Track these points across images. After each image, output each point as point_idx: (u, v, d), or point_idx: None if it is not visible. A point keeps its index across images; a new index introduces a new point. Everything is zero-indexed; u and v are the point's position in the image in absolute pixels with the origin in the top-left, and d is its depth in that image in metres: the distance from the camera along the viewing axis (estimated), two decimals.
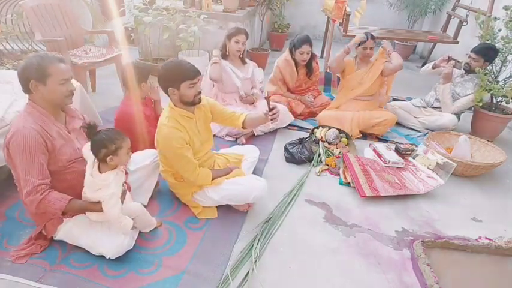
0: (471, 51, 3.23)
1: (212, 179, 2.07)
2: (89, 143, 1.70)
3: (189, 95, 1.92)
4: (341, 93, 3.42)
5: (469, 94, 3.24)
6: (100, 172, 1.69)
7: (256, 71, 3.41)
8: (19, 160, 1.56)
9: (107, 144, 1.64)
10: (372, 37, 3.15)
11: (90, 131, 1.68)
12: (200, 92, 1.97)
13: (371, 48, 3.18)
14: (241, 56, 3.17)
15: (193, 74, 1.90)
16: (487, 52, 3.16)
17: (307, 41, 3.26)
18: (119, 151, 1.67)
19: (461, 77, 3.35)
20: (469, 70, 3.27)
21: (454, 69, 3.36)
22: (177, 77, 1.88)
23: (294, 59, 3.37)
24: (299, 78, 3.48)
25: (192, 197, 2.12)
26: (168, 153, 1.96)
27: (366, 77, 3.26)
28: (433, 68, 3.49)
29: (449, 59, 3.36)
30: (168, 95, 1.95)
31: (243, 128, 2.24)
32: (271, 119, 2.09)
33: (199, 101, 1.99)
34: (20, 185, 1.61)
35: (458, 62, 3.33)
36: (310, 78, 3.55)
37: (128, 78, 2.29)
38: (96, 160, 1.69)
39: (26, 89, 1.62)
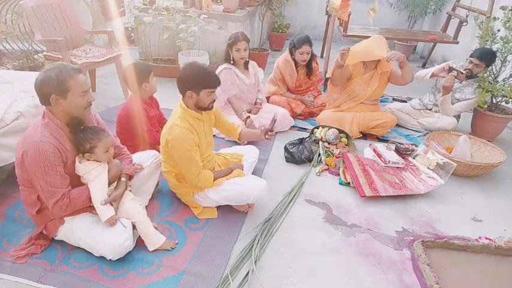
0: (473, 57, 3.15)
1: (214, 180, 2.08)
2: None
3: (205, 102, 1.97)
4: (345, 97, 3.33)
5: (469, 99, 3.21)
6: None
7: (257, 71, 3.40)
8: (41, 173, 1.58)
9: (82, 142, 1.71)
10: None
11: (74, 127, 1.71)
12: (214, 100, 2.02)
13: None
14: (247, 60, 3.09)
15: (216, 83, 1.96)
16: (488, 57, 3.10)
17: (307, 41, 3.25)
18: (94, 150, 1.73)
19: (460, 82, 3.29)
20: (470, 76, 3.19)
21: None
22: (200, 82, 1.91)
23: (294, 59, 3.37)
24: (299, 78, 3.48)
25: (193, 197, 2.13)
26: (177, 153, 1.94)
27: (371, 82, 3.19)
28: (431, 77, 3.37)
29: (450, 69, 3.18)
30: (183, 95, 1.96)
31: (238, 139, 2.33)
32: (266, 139, 2.25)
33: (212, 108, 2.04)
34: (44, 196, 1.64)
35: (462, 72, 3.13)
36: (310, 78, 3.55)
37: (128, 78, 2.29)
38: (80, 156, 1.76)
39: (46, 102, 1.62)
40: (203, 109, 2.02)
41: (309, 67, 3.46)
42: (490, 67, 3.26)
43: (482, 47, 3.27)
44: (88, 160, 1.75)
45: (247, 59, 3.09)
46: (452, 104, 3.29)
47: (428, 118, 3.39)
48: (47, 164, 1.57)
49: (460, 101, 3.26)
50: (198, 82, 1.91)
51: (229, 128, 2.37)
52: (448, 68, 3.21)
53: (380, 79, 3.16)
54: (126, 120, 2.30)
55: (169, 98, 2.74)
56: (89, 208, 1.79)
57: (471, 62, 3.16)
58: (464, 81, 3.25)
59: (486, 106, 3.19)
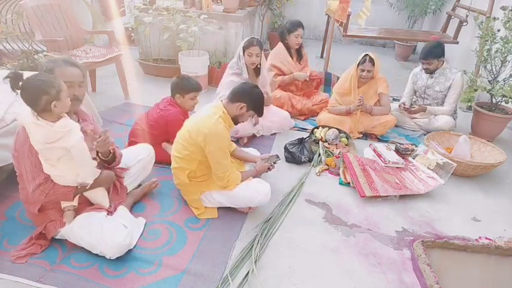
0: (421, 59, 3.29)
1: (242, 181, 2.11)
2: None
3: (243, 118, 2.13)
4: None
5: (454, 91, 3.24)
6: None
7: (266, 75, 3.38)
8: (27, 152, 1.59)
9: (46, 89, 1.47)
10: (371, 60, 3.04)
11: (14, 82, 1.48)
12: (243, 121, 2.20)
13: (368, 71, 3.09)
14: (258, 66, 3.03)
15: (262, 112, 2.16)
16: (433, 52, 3.20)
17: (300, 24, 3.41)
18: (60, 94, 1.52)
19: (431, 77, 3.34)
20: (430, 72, 3.31)
21: (421, 74, 3.42)
22: (256, 104, 2.10)
23: (286, 45, 3.50)
24: (291, 64, 3.55)
25: (200, 196, 2.14)
26: (216, 148, 1.98)
27: (363, 93, 3.23)
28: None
29: (401, 108, 3.39)
30: (233, 103, 2.07)
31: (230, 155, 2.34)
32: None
33: (237, 123, 2.18)
34: (27, 179, 1.63)
35: (410, 107, 3.37)
36: (301, 63, 3.63)
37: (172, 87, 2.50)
38: (35, 114, 1.54)
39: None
40: (236, 123, 2.14)
41: (299, 52, 3.60)
42: (490, 66, 3.27)
43: (424, 47, 3.33)
44: (51, 112, 1.53)
45: (258, 65, 3.02)
46: (439, 98, 3.34)
47: (425, 119, 3.40)
48: (32, 149, 1.59)
49: (442, 92, 3.30)
50: (255, 101, 2.09)
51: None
52: (402, 106, 3.38)
53: (371, 90, 3.23)
54: (171, 123, 2.41)
55: None
56: (89, 207, 1.80)
57: (423, 63, 3.29)
58: (433, 74, 3.31)
59: (470, 104, 3.40)
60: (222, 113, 2.04)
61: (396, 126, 3.45)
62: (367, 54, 3.08)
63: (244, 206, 2.14)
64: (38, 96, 1.49)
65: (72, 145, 1.60)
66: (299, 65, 3.62)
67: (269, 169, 2.27)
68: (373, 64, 3.07)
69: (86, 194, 1.82)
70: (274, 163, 2.31)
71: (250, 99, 2.07)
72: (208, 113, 2.04)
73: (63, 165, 1.64)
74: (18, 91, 1.51)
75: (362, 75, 3.11)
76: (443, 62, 3.28)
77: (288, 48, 3.51)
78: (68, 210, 1.75)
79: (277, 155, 2.36)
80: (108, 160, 1.88)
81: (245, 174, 2.15)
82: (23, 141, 1.59)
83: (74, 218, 1.76)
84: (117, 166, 2.01)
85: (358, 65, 3.12)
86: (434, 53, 3.20)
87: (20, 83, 1.50)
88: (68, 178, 1.68)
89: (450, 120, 3.26)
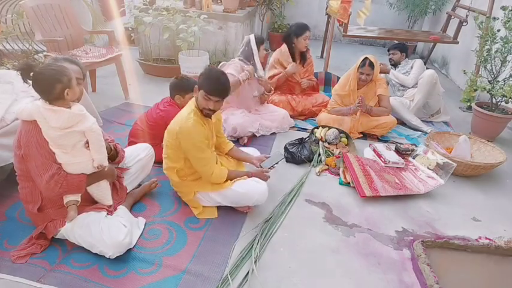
0: (388, 50, 3.88)
1: (231, 179, 2.11)
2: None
3: (203, 104, 1.97)
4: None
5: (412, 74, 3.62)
6: None
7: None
8: (35, 147, 1.60)
9: (59, 77, 1.54)
10: (370, 63, 3.04)
11: (25, 73, 1.54)
12: (211, 110, 1.99)
13: (367, 75, 3.08)
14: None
15: (213, 92, 1.92)
16: (398, 45, 3.81)
17: (308, 27, 3.40)
18: (71, 82, 1.59)
19: (397, 70, 3.79)
20: (394, 64, 3.80)
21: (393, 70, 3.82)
22: (202, 81, 1.96)
23: (290, 49, 3.46)
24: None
25: (194, 196, 2.13)
26: (189, 144, 1.97)
27: (363, 94, 3.21)
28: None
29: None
30: (194, 94, 2.05)
31: (226, 154, 2.36)
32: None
33: (207, 115, 2.03)
34: (39, 173, 1.62)
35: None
36: (304, 66, 3.60)
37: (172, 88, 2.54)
38: (47, 103, 1.58)
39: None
40: (201, 112, 2.02)
41: (302, 55, 3.54)
42: (490, 66, 3.27)
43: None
44: (64, 100, 1.59)
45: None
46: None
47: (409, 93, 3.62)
48: (41, 137, 1.59)
49: (408, 71, 3.69)
50: (201, 81, 1.97)
51: (223, 141, 2.35)
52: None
53: (370, 92, 3.22)
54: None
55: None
56: (88, 206, 1.81)
57: (389, 54, 3.83)
58: (399, 66, 3.79)
59: (469, 104, 3.56)
60: (194, 107, 2.03)
61: (398, 123, 3.43)
62: (366, 58, 3.06)
63: (241, 205, 2.14)
64: (52, 85, 1.54)
65: (89, 127, 1.65)
66: (302, 68, 3.59)
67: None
68: (373, 68, 3.07)
69: (90, 189, 1.82)
70: (276, 163, 2.30)
71: (199, 79, 1.98)
72: (184, 111, 2.05)
73: (77, 151, 1.66)
74: (30, 82, 1.56)
75: (361, 78, 3.11)
76: (405, 57, 3.79)
77: (292, 52, 3.47)
78: (73, 204, 1.74)
79: (280, 153, 2.35)
80: (111, 156, 1.91)
81: (233, 173, 2.14)
82: (30, 135, 1.59)
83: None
84: (122, 161, 2.03)
85: (358, 68, 3.11)
86: (398, 46, 3.78)
87: (31, 74, 1.55)
88: (82, 165, 1.70)
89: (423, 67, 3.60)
